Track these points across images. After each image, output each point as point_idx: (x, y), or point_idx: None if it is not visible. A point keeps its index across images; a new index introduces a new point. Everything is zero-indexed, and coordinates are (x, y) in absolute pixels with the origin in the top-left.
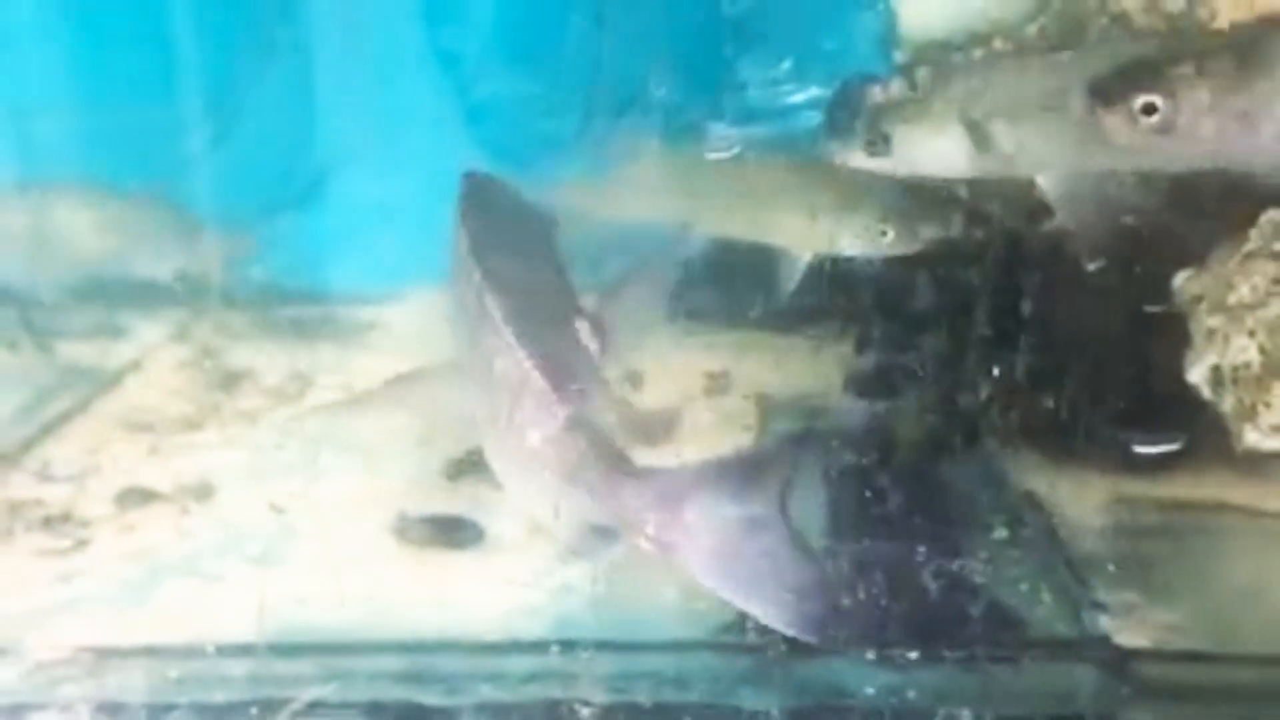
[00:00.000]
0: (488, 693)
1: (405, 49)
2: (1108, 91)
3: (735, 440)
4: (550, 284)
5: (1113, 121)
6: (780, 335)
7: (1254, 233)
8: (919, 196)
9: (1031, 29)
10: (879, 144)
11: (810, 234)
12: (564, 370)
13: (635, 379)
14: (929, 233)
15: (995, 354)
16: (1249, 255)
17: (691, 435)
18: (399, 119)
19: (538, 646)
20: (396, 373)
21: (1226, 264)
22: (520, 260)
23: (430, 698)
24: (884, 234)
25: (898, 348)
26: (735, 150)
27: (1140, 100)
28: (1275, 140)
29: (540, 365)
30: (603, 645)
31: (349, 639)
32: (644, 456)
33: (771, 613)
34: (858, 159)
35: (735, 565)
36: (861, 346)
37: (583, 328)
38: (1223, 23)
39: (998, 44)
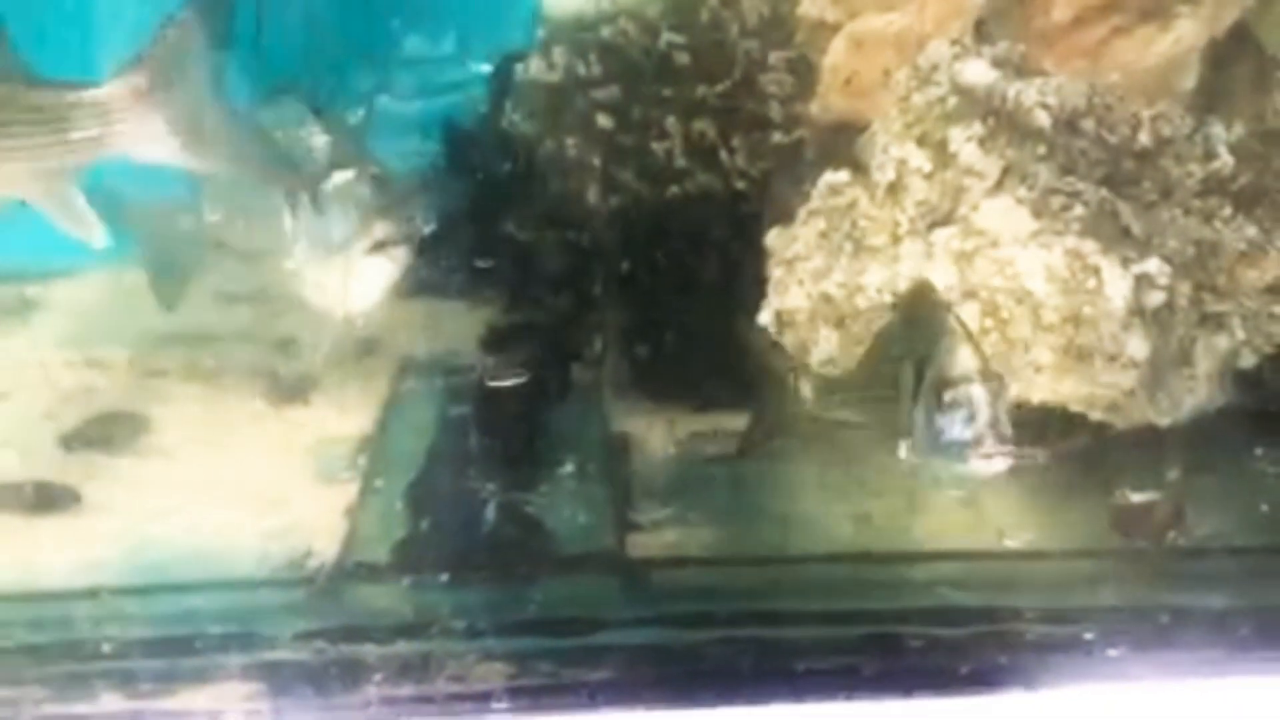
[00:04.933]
0: (23, 636)
1: (61, 23)
2: None
3: (365, 396)
4: None
5: None
6: (441, 301)
7: (814, 193)
8: None
9: (653, 10)
10: None
11: None
12: None
13: (285, 346)
14: None
15: (614, 309)
16: (811, 213)
17: (327, 392)
18: None
19: (89, 593)
20: None
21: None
22: None
23: None
24: None
25: (534, 307)
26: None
27: None
28: None
29: None
30: (154, 589)
31: None
32: (286, 413)
33: None
34: None
35: None
36: (507, 308)
37: None
38: (815, 8)
39: (623, 23)
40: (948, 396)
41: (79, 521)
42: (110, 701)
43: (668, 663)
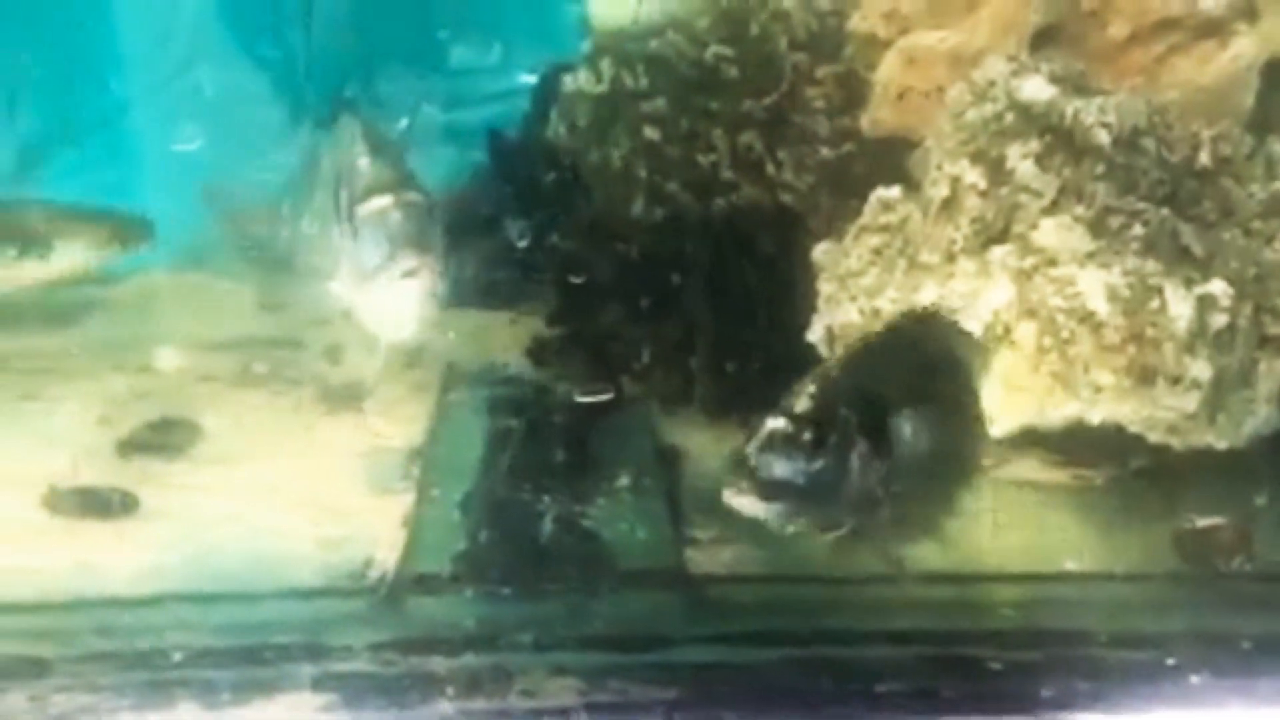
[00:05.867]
0: (93, 644)
1: (118, 39)
2: None
3: (414, 406)
4: None
5: None
6: (484, 311)
7: (866, 209)
8: None
9: (702, 23)
10: None
11: None
12: None
13: (334, 354)
14: None
15: (661, 322)
16: (861, 229)
17: (380, 403)
18: (117, 105)
19: (153, 600)
20: None
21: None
22: None
23: (41, 651)
24: None
25: (581, 319)
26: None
27: None
28: None
29: None
30: (219, 597)
31: None
32: (339, 422)
33: None
34: None
35: None
36: (552, 319)
37: None
38: (866, 23)
39: (671, 35)
40: None
41: (139, 527)
42: (187, 711)
43: (741, 681)
